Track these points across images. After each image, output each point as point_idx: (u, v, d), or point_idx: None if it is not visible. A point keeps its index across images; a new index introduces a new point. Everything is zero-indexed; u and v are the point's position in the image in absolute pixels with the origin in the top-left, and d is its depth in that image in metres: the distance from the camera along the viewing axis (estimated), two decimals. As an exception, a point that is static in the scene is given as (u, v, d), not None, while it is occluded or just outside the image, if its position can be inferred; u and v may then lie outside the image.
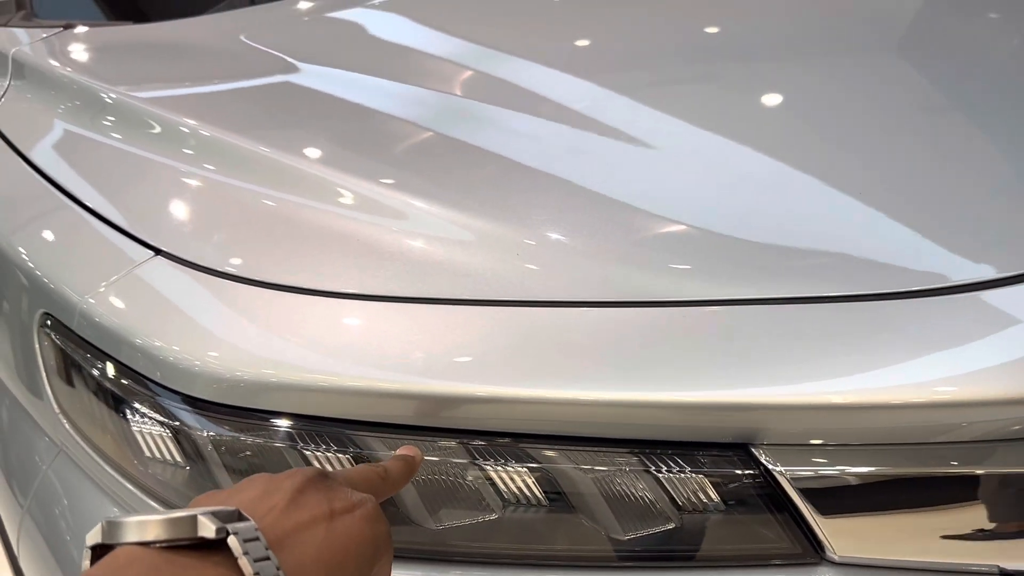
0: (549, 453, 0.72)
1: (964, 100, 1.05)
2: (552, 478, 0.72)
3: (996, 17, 1.28)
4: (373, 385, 0.73)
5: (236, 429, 0.77)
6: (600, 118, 1.03)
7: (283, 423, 0.76)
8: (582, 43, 1.29)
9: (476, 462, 0.73)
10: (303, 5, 1.51)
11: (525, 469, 0.72)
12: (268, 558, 0.43)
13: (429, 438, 0.73)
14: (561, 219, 0.87)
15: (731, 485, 0.71)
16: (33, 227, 1.02)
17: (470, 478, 0.73)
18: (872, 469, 0.69)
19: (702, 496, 0.71)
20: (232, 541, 0.42)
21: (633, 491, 0.71)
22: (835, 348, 0.71)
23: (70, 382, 0.90)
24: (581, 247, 0.83)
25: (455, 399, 0.72)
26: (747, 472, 0.70)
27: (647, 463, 0.71)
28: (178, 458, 0.81)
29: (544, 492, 0.73)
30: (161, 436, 0.81)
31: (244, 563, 0.42)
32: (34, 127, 1.21)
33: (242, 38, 1.38)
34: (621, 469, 0.71)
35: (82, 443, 0.90)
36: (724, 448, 0.71)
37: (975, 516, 0.70)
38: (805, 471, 0.69)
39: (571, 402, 0.70)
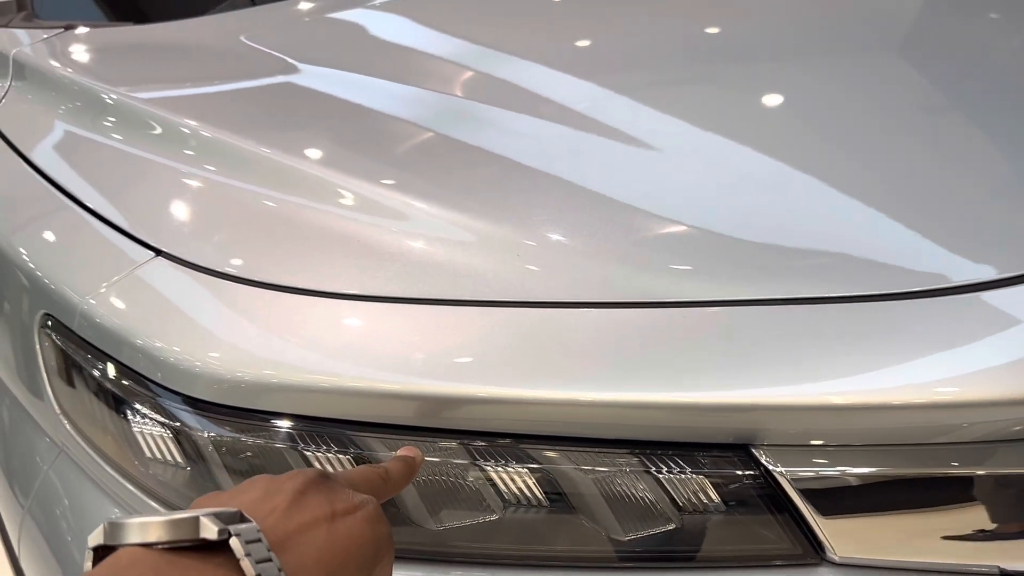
0: (550, 454, 0.72)
1: (965, 100, 1.05)
2: (553, 479, 0.72)
3: (996, 17, 1.28)
4: (374, 386, 0.73)
5: (237, 430, 0.77)
6: (601, 119, 1.03)
7: (284, 424, 0.76)
8: (582, 43, 1.29)
9: (477, 463, 0.73)
10: (304, 6, 1.51)
11: (526, 470, 0.72)
12: (270, 559, 0.43)
13: (430, 439, 0.73)
14: (561, 220, 0.87)
15: (731, 486, 0.71)
16: (34, 228, 1.02)
17: (471, 479, 0.73)
18: (872, 470, 0.69)
19: (702, 497, 0.71)
20: (234, 542, 0.42)
21: (633, 492, 0.72)
22: (835, 349, 0.71)
23: (71, 383, 0.90)
24: (581, 248, 0.83)
25: (455, 400, 0.72)
26: (747, 473, 0.70)
27: (647, 464, 0.71)
28: (179, 459, 0.81)
29: (545, 493, 0.73)
30: (162, 437, 0.81)
31: (246, 564, 0.42)
32: (35, 128, 1.21)
33: (243, 39, 1.38)
34: (621, 470, 0.71)
35: (83, 444, 0.90)
36: (724, 449, 0.71)
37: (976, 517, 0.70)
38: (805, 472, 0.69)
39: (571, 403, 0.70)
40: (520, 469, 0.72)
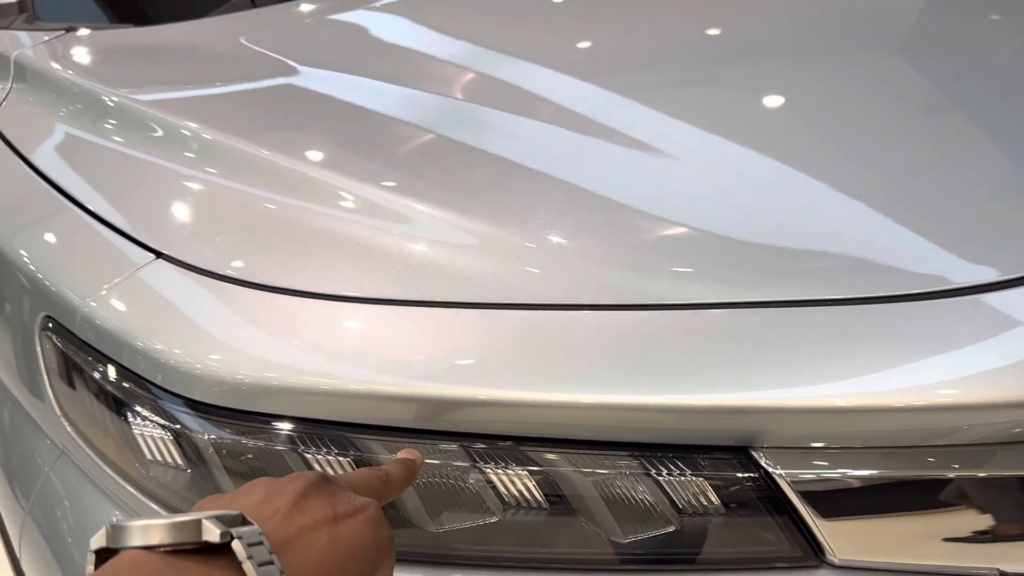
0: (550, 456, 0.72)
1: (965, 101, 1.05)
2: (553, 481, 0.72)
3: (997, 18, 1.28)
4: (374, 388, 0.73)
5: (237, 432, 0.77)
6: (601, 120, 1.04)
7: (284, 426, 0.76)
8: (583, 45, 1.29)
9: (477, 465, 0.73)
10: (305, 7, 1.51)
11: (526, 472, 0.73)
12: (272, 562, 0.43)
13: (430, 441, 0.73)
14: (562, 222, 0.87)
15: (731, 488, 0.71)
16: (35, 230, 1.02)
17: (471, 481, 0.73)
18: (873, 472, 0.69)
19: (702, 499, 0.71)
20: (236, 545, 0.43)
21: (633, 494, 0.72)
22: (836, 351, 0.71)
23: (71, 385, 0.90)
24: (582, 250, 0.83)
25: (456, 402, 0.72)
26: (747, 475, 0.70)
27: (647, 466, 0.71)
28: (179, 461, 0.81)
29: (545, 495, 0.73)
30: (162, 439, 0.81)
31: (248, 567, 0.42)
32: (36, 130, 1.21)
33: (243, 41, 1.38)
34: (621, 472, 0.71)
35: (83, 446, 0.90)
36: (724, 451, 0.71)
37: (976, 519, 0.70)
38: (805, 474, 0.70)
39: (572, 405, 0.70)
40: (520, 471, 0.72)
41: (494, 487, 0.73)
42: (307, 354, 0.77)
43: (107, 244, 0.94)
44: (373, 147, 1.05)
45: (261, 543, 0.44)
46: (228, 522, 0.44)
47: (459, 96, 1.15)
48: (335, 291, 0.81)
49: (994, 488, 0.70)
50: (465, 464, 0.73)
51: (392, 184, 0.95)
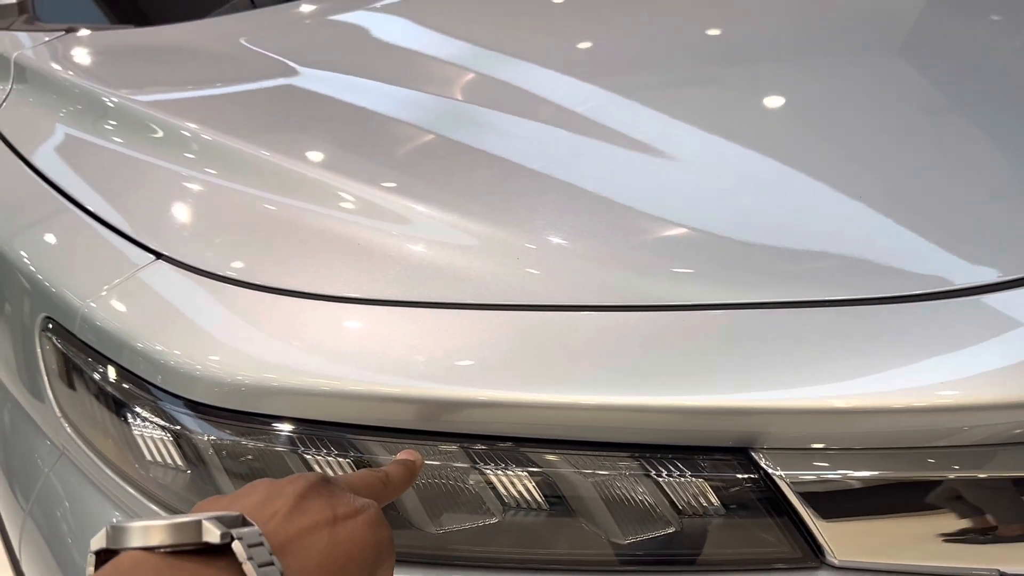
0: (550, 457, 0.72)
1: (966, 102, 1.05)
2: (552, 482, 0.72)
3: (998, 18, 1.28)
4: (374, 389, 0.73)
5: (237, 433, 0.77)
6: (601, 121, 1.04)
7: (284, 427, 0.76)
8: (583, 45, 1.29)
9: (477, 466, 0.73)
10: (305, 8, 1.51)
11: (526, 473, 0.73)
12: (272, 563, 0.43)
13: (430, 442, 0.73)
14: (562, 223, 0.87)
15: (731, 489, 0.71)
16: (35, 231, 1.02)
17: (471, 482, 0.73)
18: (873, 473, 0.69)
19: (702, 500, 0.71)
20: (236, 546, 0.43)
21: (633, 495, 0.72)
22: (836, 352, 0.71)
23: (71, 386, 0.90)
24: (582, 251, 0.83)
25: (456, 403, 0.72)
26: (747, 476, 0.70)
27: (647, 467, 0.71)
28: (179, 462, 0.81)
29: (545, 496, 0.73)
30: (162, 440, 0.81)
31: (248, 568, 0.42)
32: (36, 131, 1.22)
33: (243, 42, 1.38)
34: (621, 473, 0.71)
35: (83, 447, 0.90)
36: (724, 452, 0.71)
37: (976, 520, 0.70)
38: (805, 475, 0.70)
39: (571, 406, 0.70)
40: (520, 472, 0.72)
41: (494, 488, 0.73)
42: (307, 355, 0.77)
43: (107, 245, 0.94)
44: (373, 148, 1.05)
45: (261, 544, 0.44)
46: (228, 523, 0.44)
47: (459, 97, 1.15)
48: (335, 292, 0.82)
49: (994, 489, 0.70)
50: (465, 465, 0.73)
51: (392, 185, 0.95)
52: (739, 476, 0.70)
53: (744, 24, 1.30)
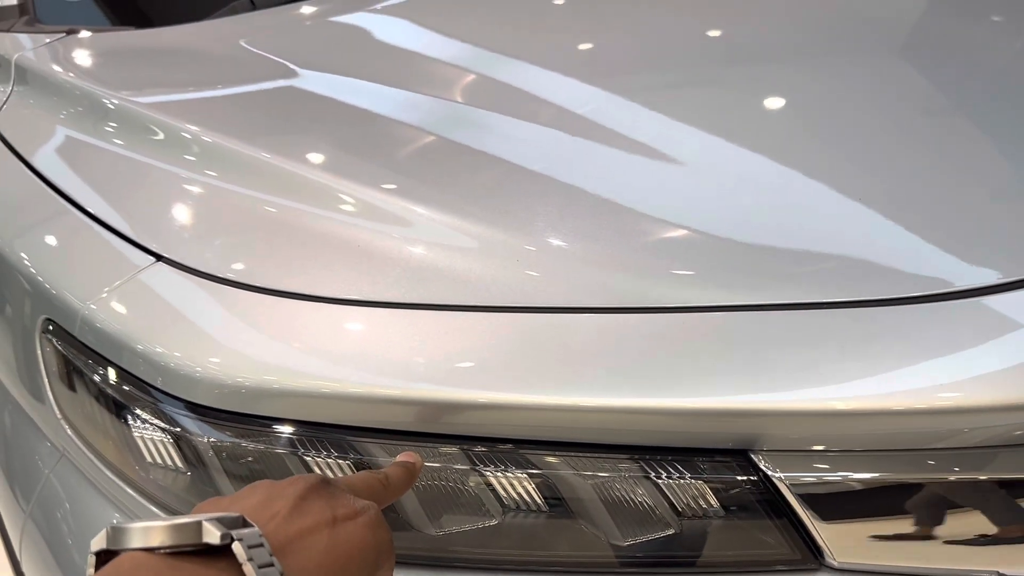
0: (549, 459, 0.72)
1: (967, 103, 1.05)
2: (552, 484, 0.72)
3: (998, 19, 1.28)
4: (374, 391, 0.73)
5: (237, 435, 0.77)
6: (602, 123, 1.04)
7: (284, 429, 0.76)
8: (584, 47, 1.29)
9: (477, 468, 0.73)
10: (305, 10, 1.51)
11: (525, 475, 0.73)
12: (272, 564, 0.44)
13: (430, 444, 0.73)
14: (562, 224, 0.87)
15: (731, 491, 0.71)
16: (35, 233, 1.02)
17: (471, 484, 0.73)
18: (872, 475, 0.69)
19: (702, 502, 0.71)
20: (236, 547, 0.43)
21: (633, 497, 0.72)
22: (836, 354, 0.71)
23: (72, 387, 0.91)
24: (582, 253, 0.83)
25: (456, 405, 0.72)
26: (747, 478, 0.70)
27: (647, 469, 0.71)
28: (179, 464, 0.81)
29: (544, 498, 0.73)
30: (162, 442, 0.81)
31: (248, 569, 0.42)
32: (37, 132, 1.22)
33: (244, 44, 1.38)
34: (621, 475, 0.71)
35: (84, 448, 0.90)
36: (724, 454, 0.71)
37: (976, 522, 0.70)
38: (805, 477, 0.70)
39: (571, 408, 0.70)
40: (520, 474, 0.72)
41: (494, 490, 0.73)
42: (307, 357, 0.77)
43: (108, 247, 0.94)
44: (374, 150, 1.05)
45: (261, 545, 0.44)
46: (228, 524, 0.44)
47: (459, 99, 1.15)
48: (335, 294, 0.82)
49: (994, 491, 0.70)
50: (465, 467, 0.73)
51: (392, 187, 0.95)
52: (739, 478, 0.70)
53: (744, 25, 1.30)
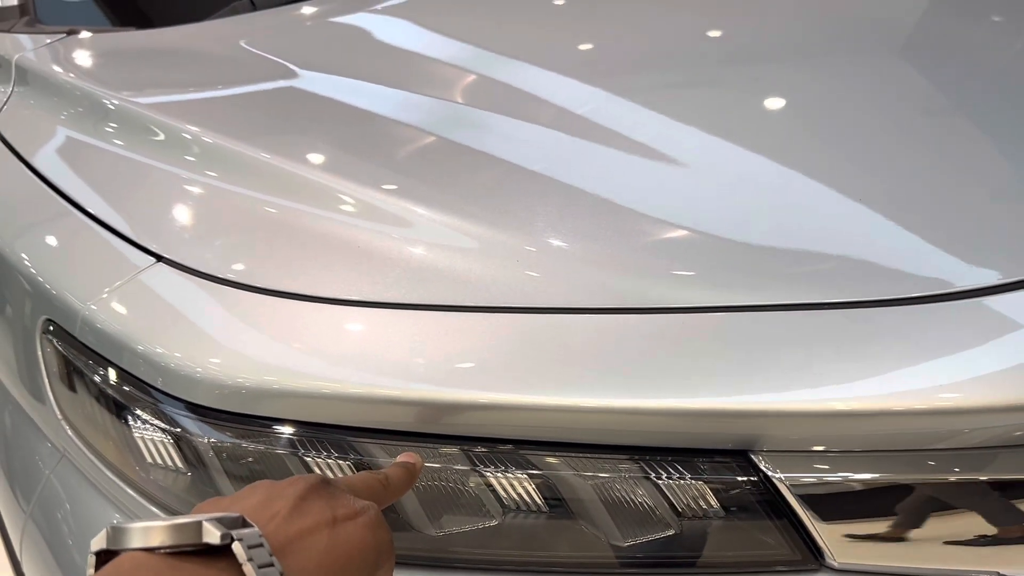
0: (549, 460, 0.72)
1: (967, 103, 1.05)
2: (552, 484, 0.72)
3: (999, 20, 1.28)
4: (374, 392, 0.73)
5: (237, 435, 0.77)
6: (602, 123, 1.04)
7: (284, 429, 0.76)
8: (584, 47, 1.29)
9: (477, 468, 0.73)
10: (305, 10, 1.51)
11: (525, 475, 0.73)
12: (272, 564, 0.44)
13: (430, 445, 0.73)
14: (562, 225, 0.87)
15: (731, 492, 0.71)
16: (36, 233, 1.02)
17: (471, 484, 0.73)
18: (872, 475, 0.69)
19: (702, 503, 0.71)
20: (236, 547, 0.43)
21: (633, 497, 0.72)
22: (836, 354, 0.71)
23: (72, 388, 0.91)
24: (582, 253, 0.83)
25: (456, 406, 0.72)
26: (747, 479, 0.70)
27: (647, 469, 0.71)
28: (179, 464, 0.81)
29: (544, 498, 0.73)
30: (162, 442, 0.81)
31: (248, 569, 0.42)
32: (37, 133, 1.22)
33: (244, 44, 1.38)
34: (621, 476, 0.71)
35: (84, 449, 0.90)
36: (724, 455, 0.71)
37: (975, 522, 0.70)
38: (805, 477, 0.70)
39: (571, 409, 0.70)
40: (520, 475, 0.72)
41: (494, 490, 0.73)
42: (307, 357, 0.77)
43: (108, 247, 0.94)
44: (374, 150, 1.05)
45: (261, 545, 0.44)
46: (228, 524, 0.44)
47: (459, 99, 1.15)
48: (335, 295, 0.82)
49: (995, 492, 0.70)
50: (465, 467, 0.73)
51: (392, 187, 0.95)
52: (739, 479, 0.70)
53: (745, 25, 1.30)
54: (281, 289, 0.83)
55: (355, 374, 0.74)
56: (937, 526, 0.70)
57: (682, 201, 0.90)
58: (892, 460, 0.69)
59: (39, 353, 0.94)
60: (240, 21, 1.51)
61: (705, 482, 0.70)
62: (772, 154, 0.95)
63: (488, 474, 0.73)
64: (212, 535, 0.43)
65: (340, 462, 0.74)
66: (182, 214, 1.01)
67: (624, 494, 0.71)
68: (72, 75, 1.34)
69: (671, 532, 0.72)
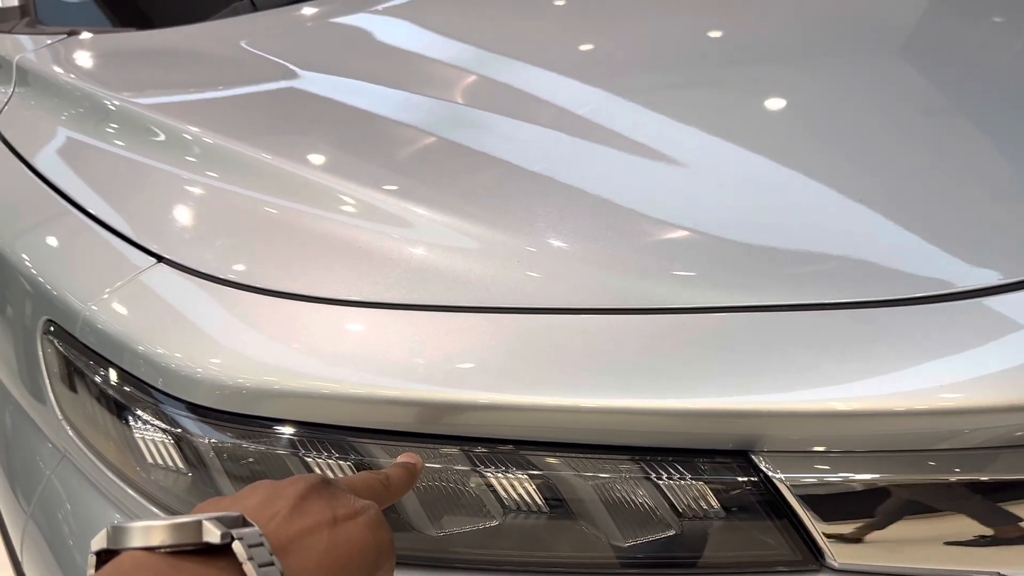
0: (550, 460, 0.72)
1: (968, 104, 1.05)
2: (553, 485, 0.72)
3: (999, 20, 1.28)
4: (374, 392, 0.73)
5: (238, 436, 0.77)
6: (603, 123, 1.04)
7: (285, 430, 0.76)
8: (585, 48, 1.29)
9: (477, 469, 0.73)
10: (306, 11, 1.51)
11: (526, 476, 0.73)
12: (272, 563, 0.44)
13: (430, 445, 0.73)
14: (562, 225, 0.87)
15: (731, 492, 0.71)
16: (37, 234, 1.02)
17: (471, 485, 0.73)
18: (873, 476, 0.69)
19: (702, 503, 0.71)
20: (237, 546, 0.43)
21: (633, 498, 0.72)
22: (837, 355, 0.71)
23: (73, 388, 0.91)
24: (582, 253, 0.83)
25: (456, 406, 0.72)
26: (747, 479, 0.70)
27: (647, 470, 0.71)
28: (180, 464, 0.81)
29: (545, 499, 0.73)
30: (163, 443, 0.81)
31: (248, 568, 0.42)
32: (38, 134, 1.22)
33: (245, 45, 1.38)
34: (622, 476, 0.71)
35: (85, 449, 0.90)
36: (725, 455, 0.71)
37: (976, 523, 0.70)
38: (806, 478, 0.70)
39: (571, 409, 0.70)
40: (520, 475, 0.72)
41: (494, 491, 0.73)
42: (307, 358, 0.77)
43: (109, 248, 0.94)
44: (374, 151, 1.05)
45: (262, 544, 0.44)
46: (229, 523, 0.44)
47: (460, 100, 1.15)
48: (335, 295, 0.82)
49: (995, 492, 0.70)
50: (465, 468, 0.73)
51: (393, 188, 0.95)
52: (739, 479, 0.70)
53: (745, 26, 1.30)
54: (281, 289, 0.83)
55: (355, 374, 0.74)
56: (938, 526, 0.70)
57: (682, 201, 0.90)
58: (893, 460, 0.69)
59: (40, 354, 0.94)
60: (241, 22, 1.51)
61: (705, 482, 0.70)
62: (773, 154, 0.95)
63: (488, 474, 0.73)
64: (212, 534, 0.43)
65: (340, 462, 0.74)
66: (183, 215, 1.01)
67: (624, 494, 0.71)
68: (73, 76, 1.34)
69: (671, 532, 0.72)
